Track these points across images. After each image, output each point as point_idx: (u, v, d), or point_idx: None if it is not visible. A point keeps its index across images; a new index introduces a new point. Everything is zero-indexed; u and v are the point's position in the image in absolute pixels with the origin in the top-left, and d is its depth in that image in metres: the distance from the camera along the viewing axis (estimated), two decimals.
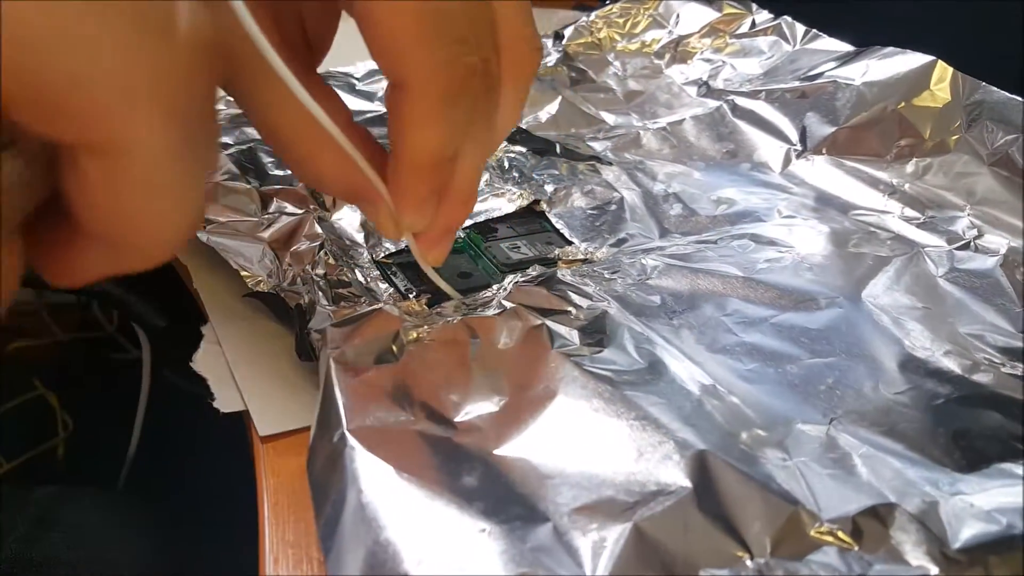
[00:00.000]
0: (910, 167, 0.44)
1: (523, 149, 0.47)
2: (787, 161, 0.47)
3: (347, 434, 0.26)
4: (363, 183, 0.25)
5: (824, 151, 0.47)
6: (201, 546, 0.56)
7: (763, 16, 0.55)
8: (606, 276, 0.36)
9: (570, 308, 0.33)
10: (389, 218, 0.27)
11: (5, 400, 0.86)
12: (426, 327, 0.31)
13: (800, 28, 0.52)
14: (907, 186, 0.44)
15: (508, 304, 0.33)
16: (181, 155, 0.16)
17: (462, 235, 0.41)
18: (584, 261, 0.39)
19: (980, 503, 0.27)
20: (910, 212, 0.42)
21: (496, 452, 0.27)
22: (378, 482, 0.25)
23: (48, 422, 0.87)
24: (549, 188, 0.44)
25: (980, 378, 0.32)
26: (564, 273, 0.36)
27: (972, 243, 0.40)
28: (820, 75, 0.48)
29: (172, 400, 0.74)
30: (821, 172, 0.46)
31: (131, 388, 0.74)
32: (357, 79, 0.54)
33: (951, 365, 0.33)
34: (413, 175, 0.25)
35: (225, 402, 0.32)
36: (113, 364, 1.00)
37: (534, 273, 0.36)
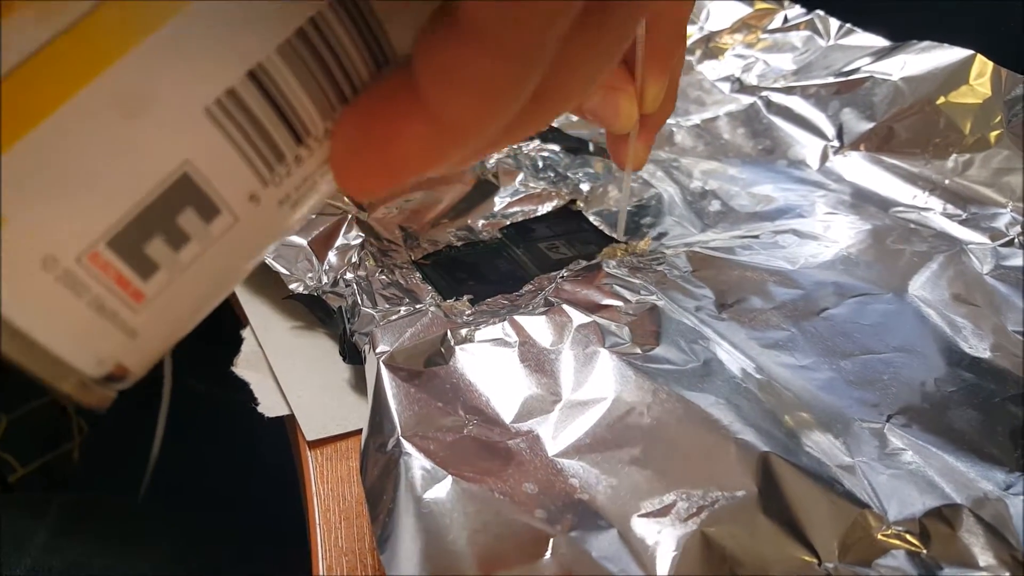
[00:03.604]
0: (950, 163, 0.44)
1: (556, 147, 0.47)
2: (824, 157, 0.46)
3: (403, 440, 0.26)
4: (615, 74, 0.31)
5: (862, 147, 0.46)
6: (228, 553, 0.56)
7: (795, 11, 0.54)
8: (653, 268, 0.36)
9: (619, 303, 0.33)
10: (632, 100, 0.31)
11: (19, 404, 0.85)
12: (473, 327, 0.31)
13: (834, 23, 0.51)
14: (947, 182, 0.43)
15: (555, 300, 0.32)
16: None
17: (499, 235, 0.41)
18: (626, 252, 0.39)
19: None
20: (952, 209, 0.42)
21: (553, 456, 0.26)
22: (437, 489, 0.24)
23: (62, 426, 0.87)
24: (585, 187, 0.43)
25: None
26: (609, 264, 0.36)
27: (1016, 239, 0.39)
28: (856, 70, 0.47)
29: (193, 404, 0.74)
30: (859, 168, 0.45)
31: (146, 391, 0.74)
32: None
33: (1003, 363, 0.32)
34: (676, 40, 0.31)
35: (269, 407, 0.31)
36: None
37: (578, 268, 0.36)
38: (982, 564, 0.25)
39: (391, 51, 0.15)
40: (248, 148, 0.14)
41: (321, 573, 0.26)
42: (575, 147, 0.47)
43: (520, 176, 0.44)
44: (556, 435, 0.27)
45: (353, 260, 0.35)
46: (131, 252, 0.14)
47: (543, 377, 0.29)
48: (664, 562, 0.23)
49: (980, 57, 0.44)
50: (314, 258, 0.35)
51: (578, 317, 0.31)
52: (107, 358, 0.15)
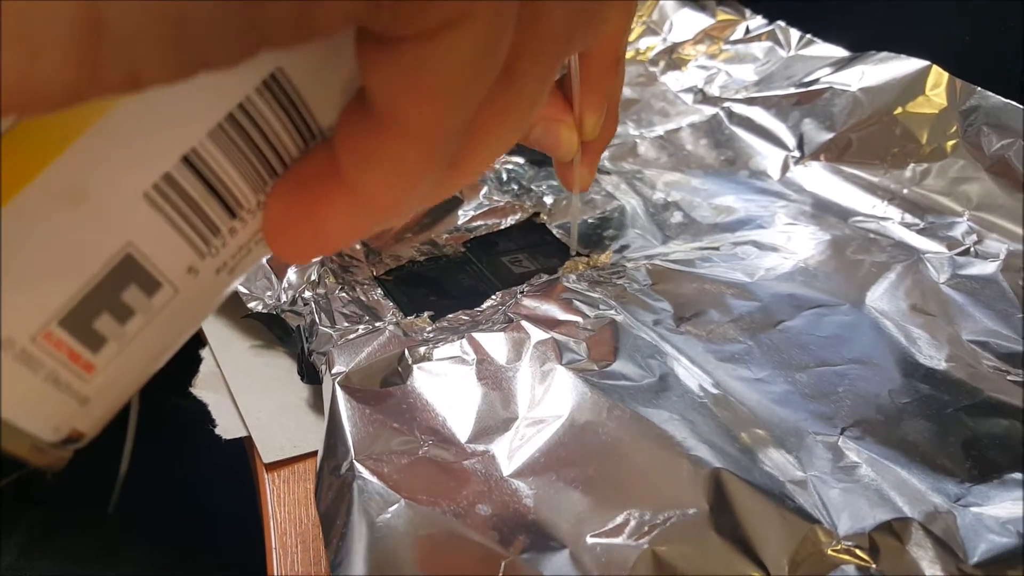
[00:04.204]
0: (908, 173, 0.44)
1: (520, 160, 0.47)
2: (785, 168, 0.47)
3: (356, 463, 0.26)
4: (554, 105, 0.32)
5: (822, 157, 0.46)
6: (197, 568, 0.55)
7: (757, 22, 0.55)
8: (613, 282, 0.36)
9: (577, 318, 0.33)
10: (571, 129, 0.33)
11: None
12: (432, 345, 0.31)
13: (795, 34, 0.52)
14: (905, 191, 0.44)
15: (514, 316, 0.33)
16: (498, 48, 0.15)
17: (463, 249, 0.41)
18: (588, 266, 0.39)
19: (994, 514, 0.27)
20: (910, 218, 0.42)
21: (507, 476, 0.26)
22: (389, 513, 0.24)
23: None
24: (549, 200, 0.43)
25: (986, 387, 0.32)
26: (569, 278, 0.36)
27: (972, 248, 0.40)
28: (816, 81, 0.48)
29: (163, 419, 0.73)
30: (819, 178, 0.46)
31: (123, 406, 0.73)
32: None
33: (957, 374, 0.33)
34: (610, 72, 0.33)
35: (227, 429, 0.31)
36: None
37: (539, 282, 0.36)
38: None
39: (317, 126, 0.16)
40: (185, 226, 0.15)
41: None
42: (539, 159, 0.47)
43: (484, 189, 0.44)
44: (511, 455, 0.27)
45: (312, 278, 0.35)
46: (81, 329, 0.15)
47: (500, 395, 0.29)
48: None
49: (936, 68, 0.44)
50: (273, 276, 0.35)
51: (536, 333, 0.32)
52: (62, 425, 0.16)
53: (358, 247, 0.39)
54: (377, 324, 0.33)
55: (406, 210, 0.17)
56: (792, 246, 0.40)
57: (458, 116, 0.15)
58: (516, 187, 0.45)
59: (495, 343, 0.31)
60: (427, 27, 0.13)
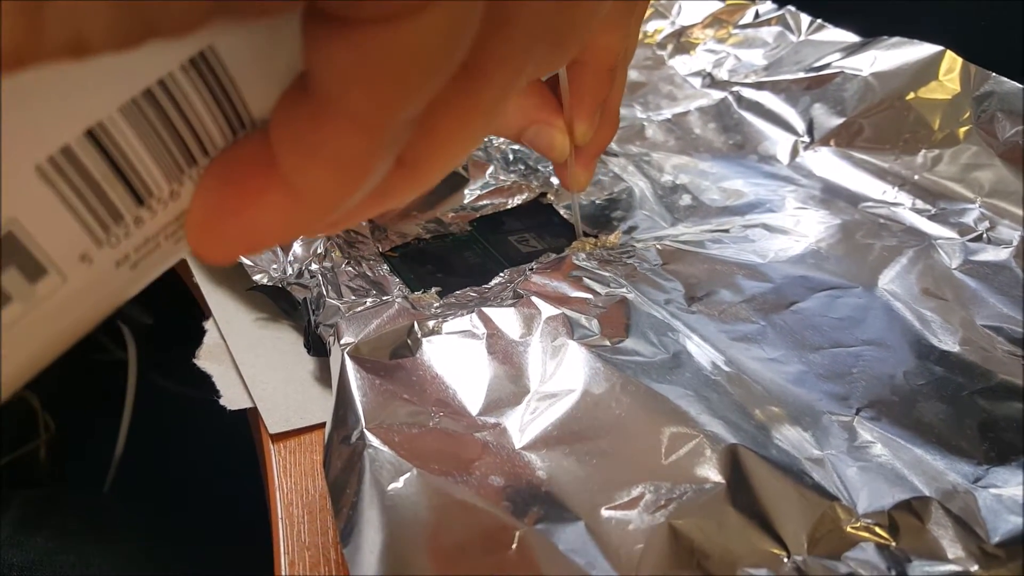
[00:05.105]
0: (919, 159, 0.44)
1: None
2: (794, 153, 0.46)
3: (366, 433, 0.25)
4: (546, 109, 0.33)
5: (832, 142, 0.46)
6: (192, 550, 0.55)
7: (767, 6, 0.54)
8: (623, 261, 0.35)
9: (588, 295, 0.32)
10: (563, 133, 0.33)
11: None
12: (441, 319, 0.30)
13: (805, 18, 0.51)
14: (916, 178, 0.43)
15: (524, 292, 0.32)
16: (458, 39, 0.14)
17: (469, 228, 0.40)
18: (596, 246, 0.38)
19: (1014, 495, 0.26)
20: (921, 204, 0.42)
21: (519, 448, 0.26)
22: (401, 482, 0.24)
23: (29, 424, 0.85)
24: (556, 180, 0.43)
25: (1001, 370, 0.32)
26: (579, 257, 0.35)
27: (984, 235, 0.39)
28: (826, 66, 0.47)
29: (158, 401, 0.73)
30: (829, 163, 0.45)
31: (114, 389, 0.72)
32: None
33: (971, 357, 0.32)
34: (603, 83, 0.32)
35: (232, 400, 0.30)
36: (95, 365, 0.98)
37: (547, 260, 0.36)
38: (951, 556, 0.25)
39: (248, 116, 0.15)
40: (82, 208, 0.14)
41: (283, 568, 0.25)
42: None
43: (490, 169, 0.43)
44: (523, 428, 0.26)
45: (319, 251, 0.35)
46: None
47: (511, 369, 0.29)
48: (632, 555, 0.23)
49: (949, 53, 0.44)
50: (279, 249, 0.35)
51: (547, 309, 0.31)
52: None
53: (364, 223, 0.38)
54: (385, 298, 0.32)
55: (348, 213, 0.16)
56: (802, 229, 0.39)
57: (407, 107, 0.14)
58: (523, 167, 0.44)
59: (505, 318, 0.31)
60: (386, 11, 0.13)
